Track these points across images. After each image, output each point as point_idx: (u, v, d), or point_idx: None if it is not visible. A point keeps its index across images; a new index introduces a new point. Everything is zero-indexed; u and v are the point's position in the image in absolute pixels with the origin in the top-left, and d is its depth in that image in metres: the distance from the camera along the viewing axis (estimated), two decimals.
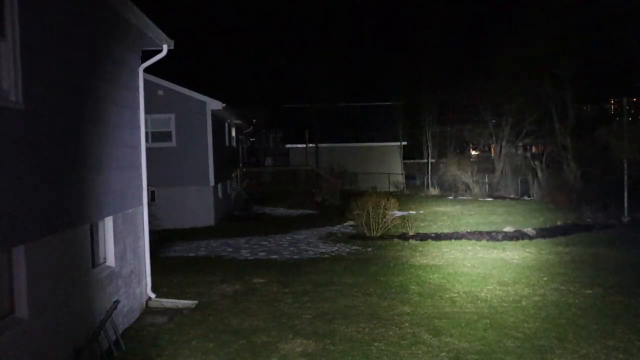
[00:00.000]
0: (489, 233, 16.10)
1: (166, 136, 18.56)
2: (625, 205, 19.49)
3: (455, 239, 15.10)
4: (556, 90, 32.01)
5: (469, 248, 13.83)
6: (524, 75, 32.65)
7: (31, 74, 5.12)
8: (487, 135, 42.14)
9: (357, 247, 14.06)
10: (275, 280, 10.42)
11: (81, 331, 6.07)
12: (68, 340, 5.73)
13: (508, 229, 16.93)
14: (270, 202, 26.13)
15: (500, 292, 9.31)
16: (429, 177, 35.52)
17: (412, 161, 39.40)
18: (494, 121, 39.96)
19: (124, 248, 7.71)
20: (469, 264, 11.80)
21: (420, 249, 13.72)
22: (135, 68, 8.45)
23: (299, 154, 36.09)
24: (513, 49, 33.24)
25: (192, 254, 13.52)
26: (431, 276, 10.61)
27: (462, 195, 29.56)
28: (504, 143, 38.14)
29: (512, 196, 29.61)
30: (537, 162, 32.51)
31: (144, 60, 8.75)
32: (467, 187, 31.18)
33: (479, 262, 12.08)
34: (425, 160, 37.18)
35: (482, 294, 9.20)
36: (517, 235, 15.73)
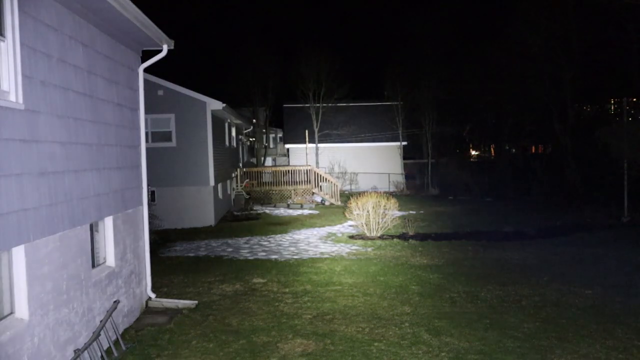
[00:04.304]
0: (489, 233, 16.12)
1: (166, 136, 18.57)
2: (625, 205, 19.50)
3: (455, 239, 15.10)
4: (556, 90, 32.03)
5: (469, 248, 13.83)
6: (524, 75, 32.67)
7: (31, 74, 5.13)
8: (487, 135, 42.20)
9: (357, 247, 14.06)
10: (275, 280, 10.42)
11: (81, 331, 6.07)
12: (68, 340, 5.73)
13: (508, 229, 16.95)
14: (270, 202, 26.15)
15: (500, 292, 9.32)
16: (429, 177, 35.53)
17: (412, 161, 39.42)
18: (494, 121, 40.00)
19: (124, 248, 7.72)
20: (469, 264, 11.80)
21: (420, 249, 13.72)
22: (135, 68, 8.46)
23: (299, 154, 36.09)
24: (513, 48, 33.26)
25: (192, 254, 13.52)
26: (431, 276, 10.61)
27: (462, 195, 29.55)
28: (504, 143, 38.16)
29: (512, 196, 29.58)
30: (537, 162, 32.51)
31: (144, 60, 8.75)
32: (467, 187, 31.17)
33: (479, 262, 12.08)
34: (425, 160, 37.19)
35: (482, 294, 9.21)
36: (517, 235, 15.75)
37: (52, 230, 5.43)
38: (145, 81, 9.14)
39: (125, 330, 7.44)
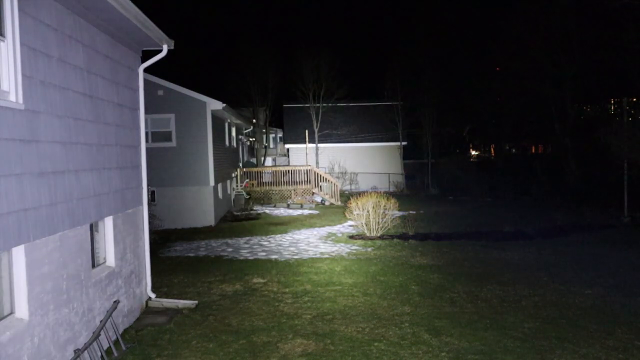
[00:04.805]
0: (488, 233, 16.12)
1: (166, 136, 18.57)
2: (625, 205, 19.50)
3: (455, 239, 15.10)
4: (556, 90, 32.06)
5: (469, 248, 13.83)
6: (523, 75, 32.70)
7: (31, 74, 5.13)
8: (487, 135, 42.26)
9: (357, 247, 14.06)
10: (275, 280, 10.42)
11: (81, 331, 6.07)
12: (68, 340, 5.73)
13: (508, 229, 16.94)
14: (270, 202, 26.15)
15: (500, 292, 9.32)
16: (429, 177, 35.52)
17: (412, 161, 39.42)
18: (494, 121, 40.04)
19: (124, 248, 7.72)
20: (469, 264, 11.80)
21: (420, 249, 13.72)
22: (135, 68, 8.45)
23: (299, 154, 36.09)
24: (513, 48, 33.28)
25: (192, 254, 13.52)
26: (431, 276, 10.61)
27: (462, 195, 29.56)
28: (504, 143, 38.16)
29: (512, 196, 29.59)
30: (537, 162, 32.53)
31: (144, 60, 8.75)
32: (467, 187, 31.17)
33: (479, 262, 12.08)
34: (425, 160, 37.19)
35: (482, 294, 9.21)
36: (517, 235, 15.75)
37: (52, 230, 5.43)
38: (145, 81, 9.14)
39: (125, 330, 7.44)
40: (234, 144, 26.03)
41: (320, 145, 35.40)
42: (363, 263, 11.99)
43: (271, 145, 50.51)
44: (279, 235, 16.36)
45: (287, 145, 37.87)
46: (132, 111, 8.22)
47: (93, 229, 6.78)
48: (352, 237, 15.72)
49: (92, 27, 6.64)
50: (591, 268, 11.36)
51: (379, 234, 15.59)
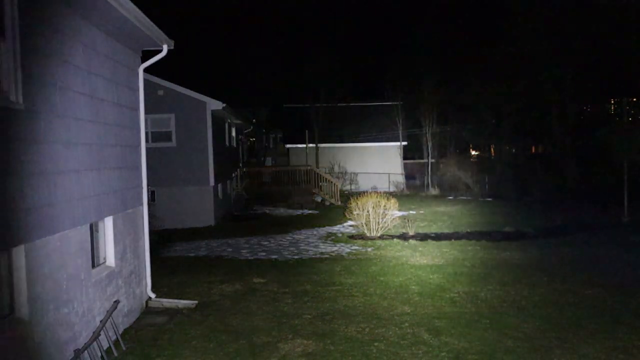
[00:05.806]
0: (489, 233, 16.12)
1: (166, 136, 18.57)
2: (625, 205, 19.49)
3: (455, 239, 15.10)
4: (556, 90, 32.07)
5: (469, 248, 13.83)
6: (524, 75, 32.71)
7: (31, 74, 5.13)
8: (487, 135, 42.25)
9: (357, 247, 14.06)
10: (275, 280, 10.42)
11: (81, 331, 6.07)
12: (68, 340, 5.73)
13: (508, 229, 16.94)
14: (270, 202, 26.13)
15: (500, 292, 9.31)
16: (429, 177, 35.51)
17: (412, 161, 39.38)
18: (493, 121, 40.02)
19: (124, 248, 7.72)
20: (469, 264, 11.80)
21: (420, 249, 13.72)
22: (135, 68, 8.46)
23: (299, 154, 36.07)
24: (513, 48, 33.27)
25: (192, 254, 13.52)
26: (431, 276, 10.61)
27: (462, 195, 29.56)
28: (503, 143, 38.15)
29: (512, 196, 29.57)
30: (537, 162, 32.52)
31: (144, 60, 8.75)
32: (467, 187, 31.16)
33: (479, 262, 12.08)
34: (425, 160, 37.17)
35: (482, 294, 9.20)
36: (517, 235, 15.75)
37: (52, 230, 5.43)
38: (145, 81, 9.14)
39: (125, 330, 7.44)
40: (234, 144, 26.01)
41: (320, 145, 35.39)
42: (363, 263, 11.99)
43: (271, 145, 50.51)
44: (279, 235, 16.36)
45: (287, 145, 37.85)
46: (132, 111, 8.22)
47: (93, 229, 6.78)
48: (352, 237, 15.72)
49: (92, 27, 6.64)
50: (591, 268, 11.36)
51: (378, 234, 15.59)
